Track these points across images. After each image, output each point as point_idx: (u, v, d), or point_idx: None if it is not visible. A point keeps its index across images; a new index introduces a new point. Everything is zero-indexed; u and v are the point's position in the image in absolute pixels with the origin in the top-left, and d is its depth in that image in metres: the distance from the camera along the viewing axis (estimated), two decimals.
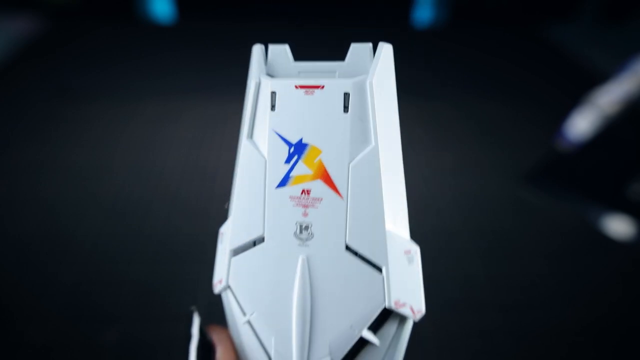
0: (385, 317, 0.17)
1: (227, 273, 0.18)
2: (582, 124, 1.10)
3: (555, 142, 1.14)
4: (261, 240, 0.18)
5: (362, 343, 0.17)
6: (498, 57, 1.69)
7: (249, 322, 0.17)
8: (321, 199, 0.17)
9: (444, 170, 1.07)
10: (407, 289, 0.17)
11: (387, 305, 0.16)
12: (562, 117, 1.14)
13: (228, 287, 0.18)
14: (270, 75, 0.19)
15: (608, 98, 1.09)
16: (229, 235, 0.18)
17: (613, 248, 0.89)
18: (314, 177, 0.17)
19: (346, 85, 0.18)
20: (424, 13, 2.00)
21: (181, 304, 0.73)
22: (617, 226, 0.92)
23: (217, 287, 0.18)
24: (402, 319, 0.17)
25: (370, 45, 0.19)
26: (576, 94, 1.17)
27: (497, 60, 1.66)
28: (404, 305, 0.16)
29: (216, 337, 0.17)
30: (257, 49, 0.19)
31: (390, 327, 0.17)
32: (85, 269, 0.79)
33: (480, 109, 1.32)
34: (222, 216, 0.19)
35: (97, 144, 1.12)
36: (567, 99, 1.20)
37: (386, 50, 0.18)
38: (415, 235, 0.18)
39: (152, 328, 0.70)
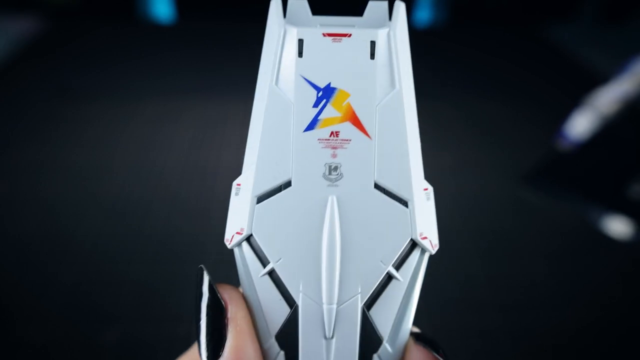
0: (408, 252, 0.17)
1: (249, 221, 0.17)
2: (582, 124, 1.10)
3: (555, 142, 1.14)
4: (288, 184, 0.17)
5: (387, 278, 0.17)
6: (498, 57, 1.69)
7: (271, 271, 0.17)
8: (350, 140, 0.17)
9: (444, 170, 1.07)
10: (427, 222, 0.18)
11: (413, 236, 0.17)
12: (562, 117, 1.14)
13: (250, 236, 0.17)
14: None
15: (608, 98, 1.09)
16: (250, 184, 0.18)
17: (613, 248, 0.89)
18: (343, 120, 0.18)
19: (373, 34, 0.18)
20: (424, 13, 2.00)
21: (181, 304, 0.73)
22: (617, 226, 0.92)
23: (234, 239, 0.17)
24: (422, 252, 0.17)
25: (386, 3, 0.20)
26: (576, 94, 1.17)
27: (497, 60, 1.66)
28: (425, 238, 0.17)
29: (227, 295, 0.16)
30: (275, 2, 0.19)
31: (412, 261, 0.17)
32: (85, 269, 0.79)
33: (480, 109, 1.32)
34: (223, 216, 0.19)
35: (97, 144, 1.12)
36: (567, 99, 1.20)
37: (403, 7, 0.19)
38: None
39: (152, 328, 0.70)
